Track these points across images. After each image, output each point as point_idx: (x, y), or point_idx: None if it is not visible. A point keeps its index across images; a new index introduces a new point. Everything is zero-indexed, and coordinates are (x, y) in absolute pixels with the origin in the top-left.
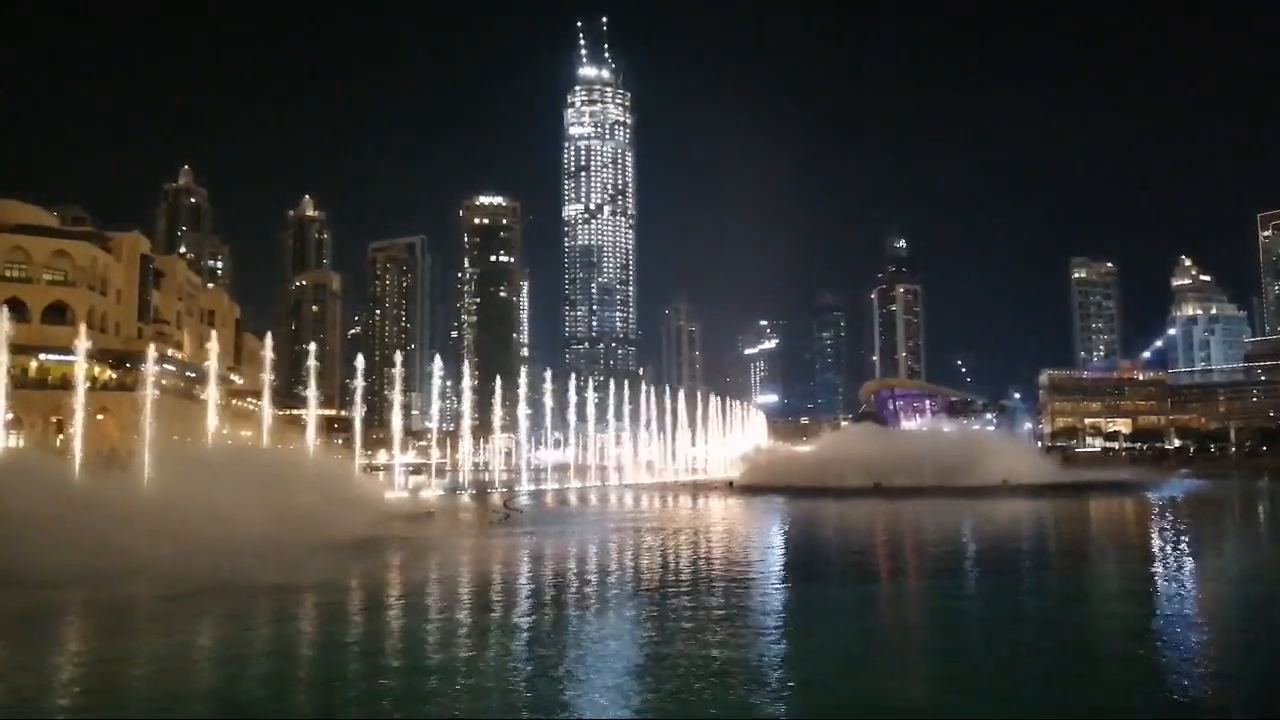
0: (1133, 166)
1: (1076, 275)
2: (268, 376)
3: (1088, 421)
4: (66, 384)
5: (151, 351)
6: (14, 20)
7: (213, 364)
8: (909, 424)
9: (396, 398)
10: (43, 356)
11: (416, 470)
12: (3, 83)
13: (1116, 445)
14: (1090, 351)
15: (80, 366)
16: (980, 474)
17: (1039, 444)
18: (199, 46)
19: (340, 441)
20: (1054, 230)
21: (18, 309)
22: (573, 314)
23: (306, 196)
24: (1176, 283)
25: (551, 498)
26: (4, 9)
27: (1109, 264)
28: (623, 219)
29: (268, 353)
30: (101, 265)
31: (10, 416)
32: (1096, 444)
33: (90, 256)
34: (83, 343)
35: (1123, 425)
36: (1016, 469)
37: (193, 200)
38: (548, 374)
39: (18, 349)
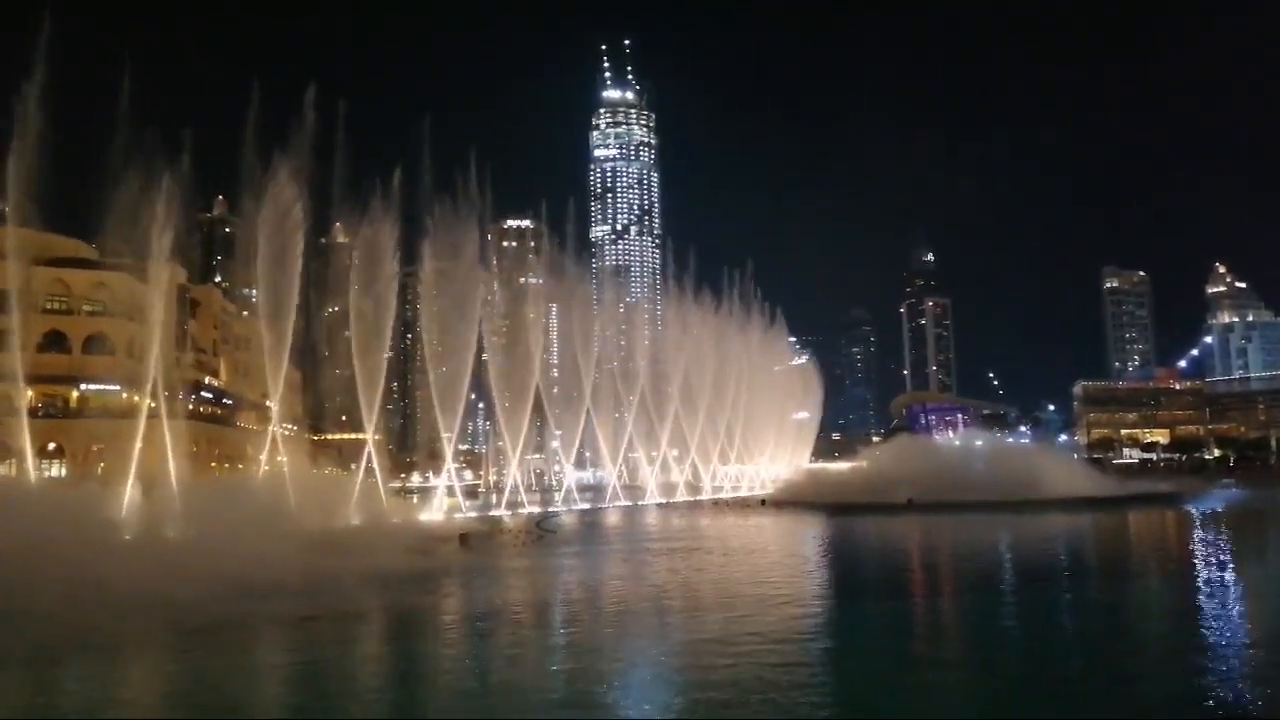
0: (1164, 172)
1: (1108, 284)
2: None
3: (1124, 432)
4: (107, 413)
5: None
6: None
7: (275, 399)
8: (940, 438)
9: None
10: (83, 386)
11: (472, 491)
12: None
13: (1154, 456)
14: (1124, 361)
15: (146, 403)
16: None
17: (1075, 455)
18: (230, 81)
19: (373, 466)
20: (1084, 239)
21: (59, 341)
22: (602, 335)
23: (337, 223)
24: (1211, 290)
25: (584, 518)
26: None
27: (1141, 272)
28: (649, 239)
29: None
30: (139, 296)
31: (53, 446)
32: (1134, 455)
33: (128, 288)
34: (153, 374)
35: (1160, 435)
36: (1059, 482)
37: (227, 230)
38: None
39: (59, 379)
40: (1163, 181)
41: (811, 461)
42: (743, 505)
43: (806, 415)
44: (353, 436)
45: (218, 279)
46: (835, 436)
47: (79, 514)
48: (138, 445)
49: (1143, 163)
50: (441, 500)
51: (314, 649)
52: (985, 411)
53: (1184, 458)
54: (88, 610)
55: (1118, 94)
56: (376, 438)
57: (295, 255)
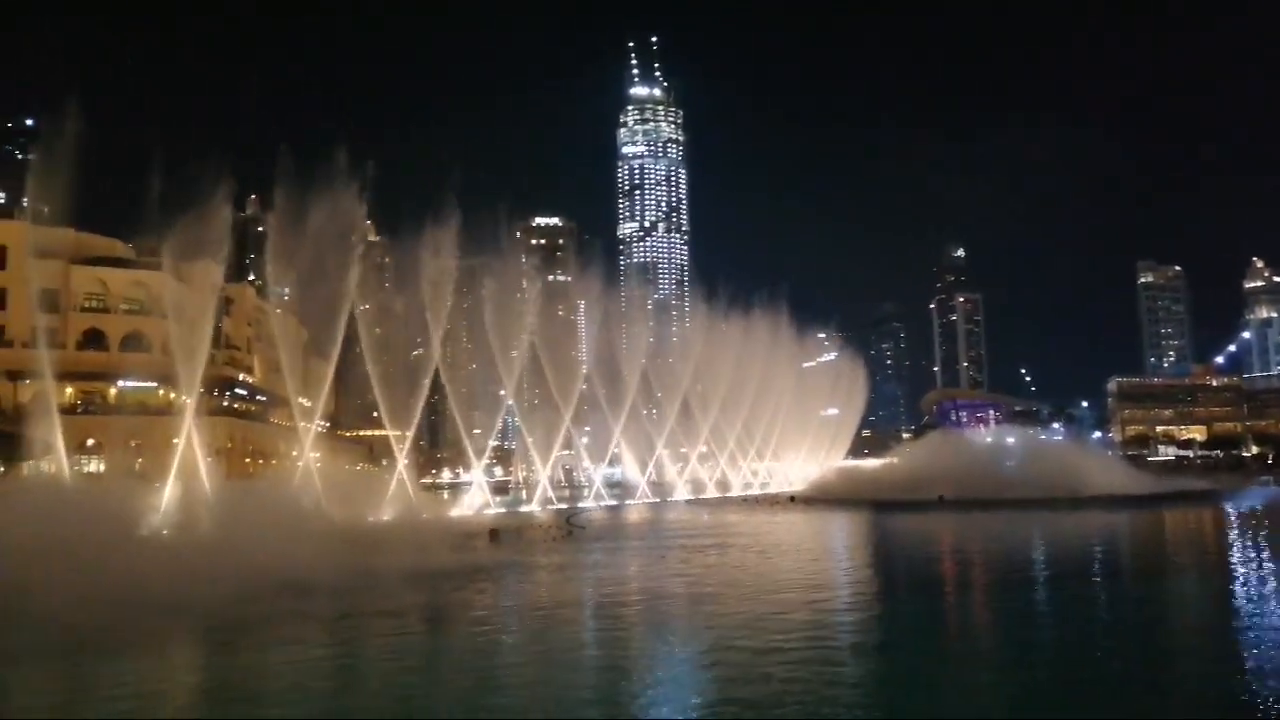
0: (1199, 166)
1: (1143, 279)
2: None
3: (1160, 429)
4: (144, 410)
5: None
6: (89, 61)
7: (318, 400)
8: (972, 434)
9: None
10: (121, 383)
11: (502, 488)
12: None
13: (1190, 453)
14: (1160, 357)
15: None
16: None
17: (1109, 452)
18: (264, 81)
19: (405, 462)
20: (1118, 234)
21: (97, 339)
22: (630, 331)
23: (368, 221)
24: (1249, 285)
25: (613, 515)
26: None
27: (1177, 267)
28: (677, 236)
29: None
30: (175, 294)
31: (91, 442)
32: (1170, 452)
33: (165, 286)
34: (196, 378)
35: (1197, 432)
36: (1093, 479)
37: (260, 229)
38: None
39: (97, 376)
40: (1199, 175)
41: (844, 459)
42: (772, 502)
43: (836, 411)
44: (384, 433)
45: (251, 277)
46: (865, 433)
47: (114, 511)
48: (174, 441)
49: (1178, 156)
50: (472, 496)
51: (349, 645)
52: (1017, 408)
53: (1221, 455)
54: (120, 608)
55: (1153, 85)
56: (408, 434)
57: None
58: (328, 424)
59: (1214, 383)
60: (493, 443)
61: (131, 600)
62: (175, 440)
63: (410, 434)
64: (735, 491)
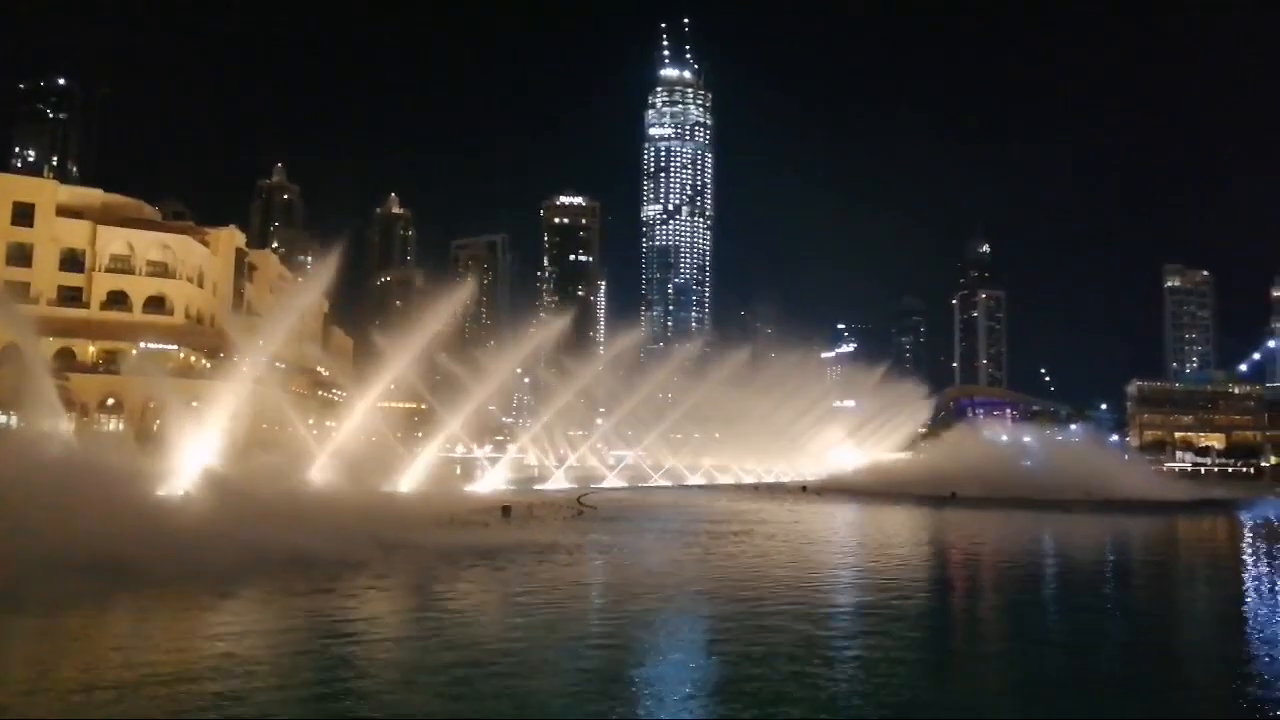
0: (1230, 170)
1: (1170, 284)
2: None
3: (1178, 435)
4: (164, 372)
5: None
6: (117, 27)
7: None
8: (989, 432)
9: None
10: (143, 344)
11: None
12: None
13: (1208, 461)
14: (1183, 363)
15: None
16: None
17: (1126, 456)
18: (290, 51)
19: (420, 435)
20: (1146, 236)
21: (121, 300)
22: (649, 314)
23: (392, 194)
24: (1276, 293)
25: (624, 497)
26: (107, 17)
27: (1204, 272)
28: (700, 220)
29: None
30: (199, 258)
31: (111, 401)
32: (1187, 459)
33: (189, 250)
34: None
35: (1215, 440)
36: (1110, 483)
37: (285, 197)
38: None
39: (120, 336)
40: (1230, 179)
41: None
42: (784, 491)
43: (853, 404)
44: (402, 405)
45: (275, 245)
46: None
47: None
48: (193, 404)
49: (1210, 159)
50: (486, 471)
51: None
52: (1035, 408)
53: (1239, 464)
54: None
55: (1186, 87)
56: (424, 407)
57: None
58: (344, 394)
59: (1235, 390)
60: (508, 419)
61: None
62: (193, 403)
63: (425, 406)
64: (748, 479)
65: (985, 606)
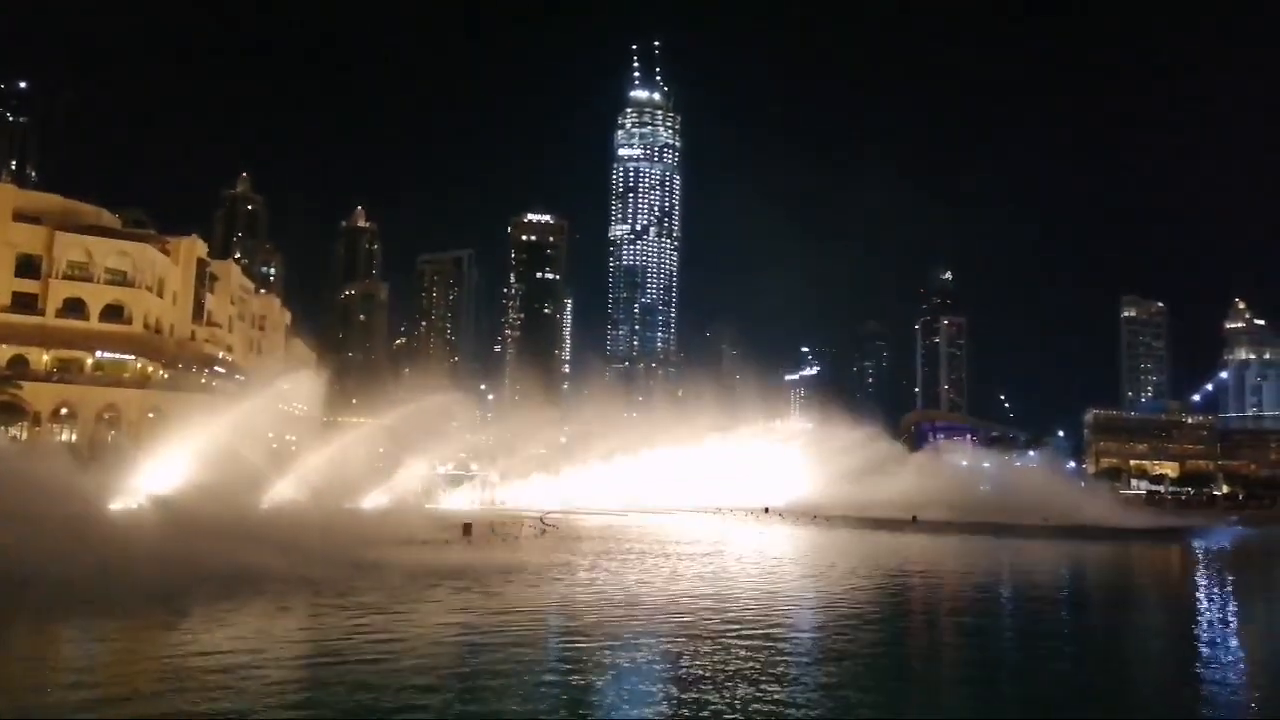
0: (1187, 204)
1: (1126, 314)
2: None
3: (1133, 463)
4: (119, 382)
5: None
6: (79, 33)
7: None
8: (949, 457)
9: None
10: (99, 354)
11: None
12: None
13: (1162, 489)
14: (1138, 392)
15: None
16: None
17: (1082, 483)
18: (259, 60)
19: (381, 451)
20: (1104, 267)
21: (78, 307)
22: (615, 333)
23: (359, 207)
24: (1230, 325)
25: (586, 517)
26: (72, 21)
27: (1160, 303)
28: (667, 241)
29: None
30: (160, 267)
31: (65, 411)
32: (1142, 486)
33: (149, 259)
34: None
35: (1169, 468)
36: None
37: (249, 207)
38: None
39: (75, 344)
40: (1185, 212)
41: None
42: (746, 513)
43: (810, 426)
44: (363, 420)
45: (238, 255)
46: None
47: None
48: (149, 415)
49: (1166, 192)
50: (445, 489)
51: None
52: (994, 434)
53: (1192, 492)
54: None
55: (1142, 122)
56: (387, 423)
57: None
58: (305, 407)
59: (1189, 420)
60: (470, 436)
61: None
62: (150, 414)
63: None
64: (711, 503)
65: (946, 633)
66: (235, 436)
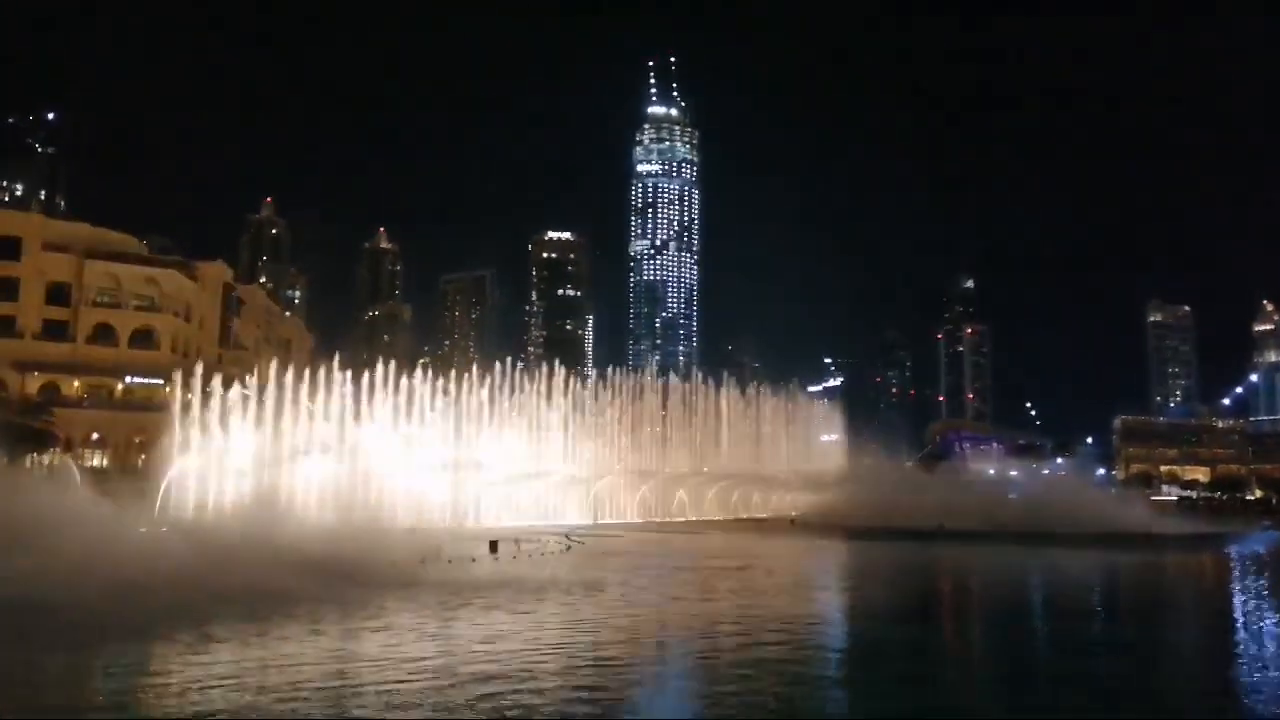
0: (1213, 206)
1: (1153, 318)
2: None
3: (1164, 469)
4: (149, 406)
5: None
6: (106, 61)
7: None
8: (976, 466)
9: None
10: (129, 379)
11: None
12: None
13: (1193, 494)
14: (1167, 397)
15: None
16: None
17: (1112, 489)
18: (282, 87)
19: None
20: (1129, 272)
21: (107, 334)
22: (636, 348)
23: (381, 229)
24: (1259, 328)
25: (610, 531)
26: (97, 51)
27: (1186, 307)
28: (688, 255)
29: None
30: (187, 292)
31: (96, 436)
32: (1173, 492)
33: (176, 284)
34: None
35: (1200, 473)
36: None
37: (274, 232)
38: None
39: (106, 371)
40: (1211, 214)
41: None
42: (772, 525)
43: (836, 438)
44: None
45: (263, 279)
46: (866, 461)
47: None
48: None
49: (1192, 195)
50: (475, 506)
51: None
52: (1021, 442)
53: (1224, 497)
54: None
55: (1168, 123)
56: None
57: None
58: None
59: (1219, 424)
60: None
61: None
62: (181, 438)
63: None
64: (736, 514)
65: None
66: (261, 457)
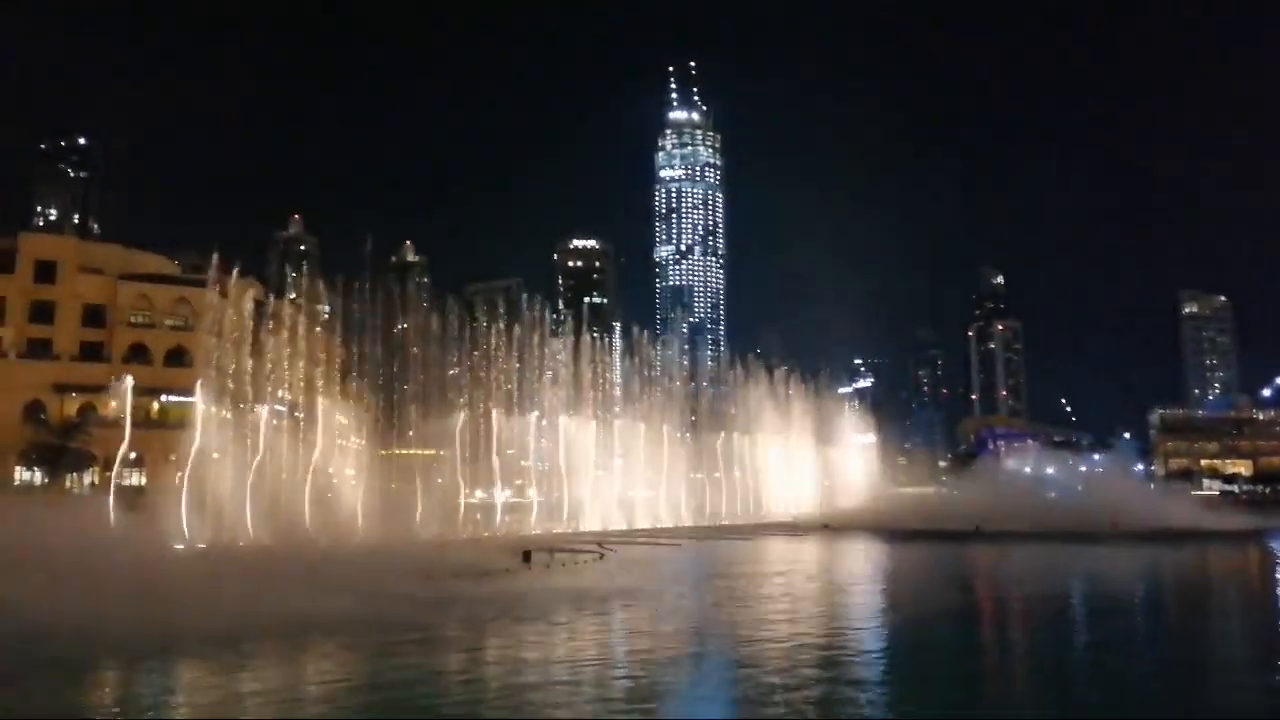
0: (1245, 194)
1: (1187, 310)
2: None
3: (1204, 463)
4: (183, 424)
5: None
6: (135, 83)
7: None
8: (1011, 464)
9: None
10: (164, 398)
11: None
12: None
13: (1235, 488)
14: (1205, 389)
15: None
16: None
17: (1151, 485)
18: (306, 105)
19: (440, 480)
20: (1162, 262)
21: (141, 353)
22: (664, 354)
23: (407, 241)
24: None
25: (640, 538)
26: (126, 74)
27: (1222, 297)
28: (713, 259)
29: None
30: (218, 310)
31: (134, 455)
32: (1214, 486)
33: (208, 302)
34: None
35: (1242, 467)
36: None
37: (302, 247)
38: None
39: (141, 391)
40: (1246, 202)
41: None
42: (803, 530)
43: (871, 439)
44: (421, 452)
45: (293, 295)
46: (901, 460)
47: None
48: (214, 455)
49: (1225, 183)
50: (505, 516)
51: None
52: (1057, 438)
53: (1269, 490)
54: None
55: (1201, 112)
56: (442, 453)
57: None
58: (363, 442)
59: (1261, 416)
60: (525, 463)
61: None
62: (214, 455)
63: (444, 452)
64: (767, 519)
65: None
66: (293, 474)
